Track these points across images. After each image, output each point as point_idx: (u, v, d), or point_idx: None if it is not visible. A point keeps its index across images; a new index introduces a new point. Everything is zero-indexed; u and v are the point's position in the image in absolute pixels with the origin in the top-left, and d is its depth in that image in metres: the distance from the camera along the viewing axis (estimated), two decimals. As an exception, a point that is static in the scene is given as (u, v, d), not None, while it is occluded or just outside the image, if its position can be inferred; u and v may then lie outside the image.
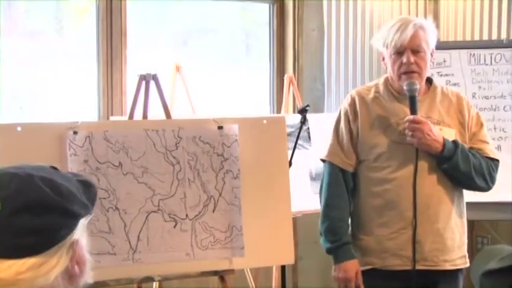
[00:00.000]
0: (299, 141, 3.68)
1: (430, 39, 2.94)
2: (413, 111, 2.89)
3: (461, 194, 3.05)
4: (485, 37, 4.91)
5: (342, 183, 3.01)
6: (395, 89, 3.00)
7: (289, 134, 3.64)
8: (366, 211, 3.02)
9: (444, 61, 4.42)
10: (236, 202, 3.05)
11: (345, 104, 3.08)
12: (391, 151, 2.95)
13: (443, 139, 2.88)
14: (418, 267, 2.93)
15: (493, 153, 3.03)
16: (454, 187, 2.99)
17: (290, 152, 3.46)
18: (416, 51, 2.89)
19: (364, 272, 3.01)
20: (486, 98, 4.38)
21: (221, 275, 3.10)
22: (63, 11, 4.36)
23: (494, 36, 4.86)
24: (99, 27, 4.28)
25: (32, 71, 4.15)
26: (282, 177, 3.17)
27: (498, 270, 1.51)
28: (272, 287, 4.14)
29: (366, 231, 3.02)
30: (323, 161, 3.09)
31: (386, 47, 2.94)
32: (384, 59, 3.01)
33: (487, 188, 3.01)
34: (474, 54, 4.50)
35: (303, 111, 3.57)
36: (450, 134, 2.95)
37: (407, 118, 2.89)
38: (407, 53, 2.88)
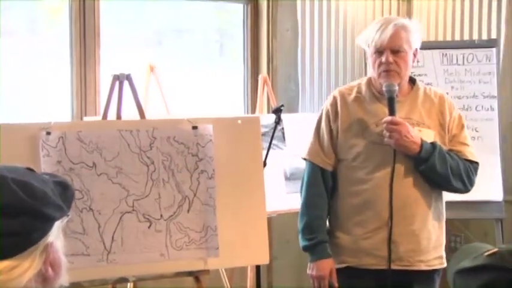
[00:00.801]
0: (274, 141, 3.68)
1: (412, 39, 2.94)
2: (391, 112, 2.89)
3: (440, 196, 3.05)
4: (457, 37, 4.95)
5: (321, 183, 3.03)
6: (376, 89, 3.00)
7: (263, 134, 3.65)
8: (344, 210, 3.03)
9: (417, 61, 4.44)
10: (211, 202, 3.04)
11: (327, 103, 3.09)
12: (368, 152, 2.95)
13: (422, 140, 2.88)
14: (394, 267, 2.94)
15: (472, 155, 3.02)
16: (432, 189, 2.99)
17: (265, 152, 3.47)
18: (396, 51, 2.90)
19: (339, 270, 3.02)
20: (459, 98, 4.42)
21: (196, 275, 3.10)
22: (37, 10, 4.32)
23: (466, 37, 4.91)
24: (72, 27, 4.25)
25: (5, 70, 4.11)
26: (257, 178, 3.17)
27: (471, 268, 1.52)
28: (247, 287, 4.14)
29: (343, 229, 3.03)
30: (304, 159, 3.10)
31: (368, 46, 2.96)
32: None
33: (464, 190, 3.01)
34: (446, 55, 4.54)
35: (277, 111, 3.58)
36: (429, 135, 2.95)
37: (385, 119, 2.89)
38: (387, 52, 2.89)
